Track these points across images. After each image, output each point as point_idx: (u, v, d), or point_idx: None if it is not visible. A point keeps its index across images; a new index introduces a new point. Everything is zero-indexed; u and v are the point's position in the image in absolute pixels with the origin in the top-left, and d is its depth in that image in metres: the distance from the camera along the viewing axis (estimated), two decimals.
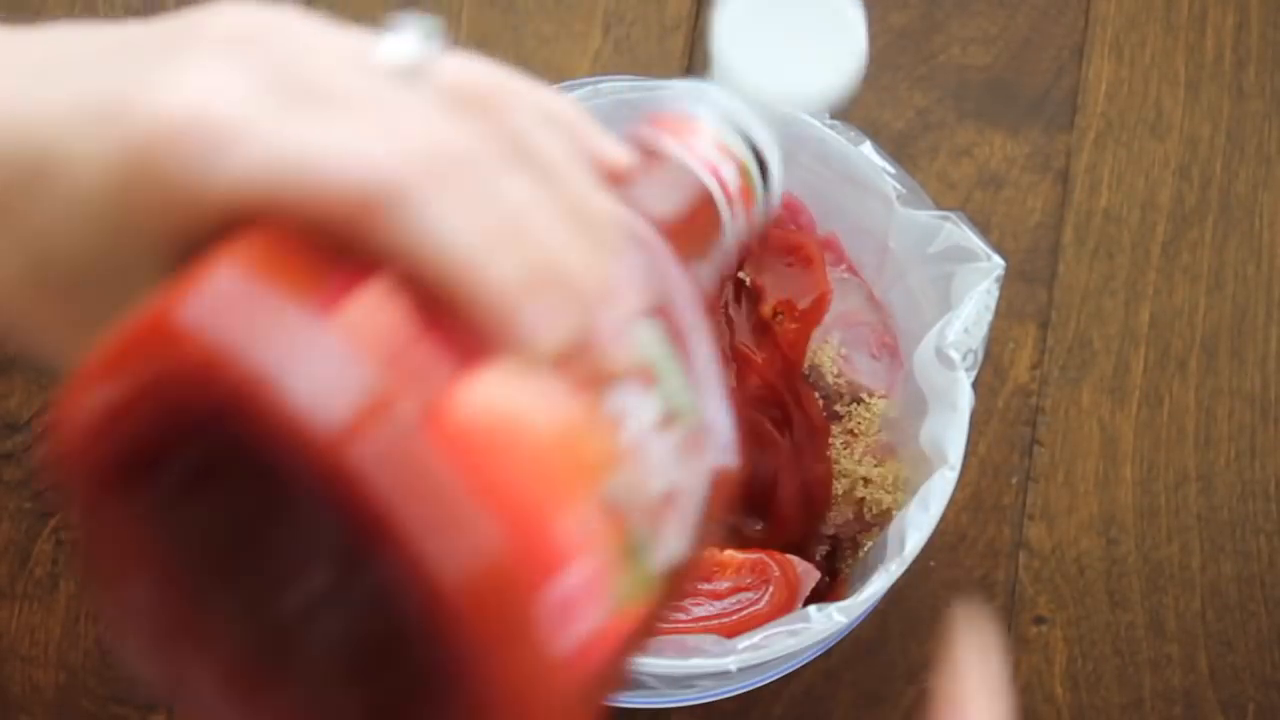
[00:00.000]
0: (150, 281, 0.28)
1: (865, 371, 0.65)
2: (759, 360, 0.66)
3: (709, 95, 0.38)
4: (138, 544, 0.28)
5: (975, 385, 0.59)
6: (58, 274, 0.29)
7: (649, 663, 0.56)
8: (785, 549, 0.63)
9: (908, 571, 0.58)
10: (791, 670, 0.60)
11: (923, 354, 0.60)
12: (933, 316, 0.61)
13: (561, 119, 0.32)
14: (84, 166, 0.27)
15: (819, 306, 0.65)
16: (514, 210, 0.28)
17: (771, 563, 0.62)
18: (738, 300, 0.67)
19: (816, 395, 0.66)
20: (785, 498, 0.67)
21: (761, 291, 0.66)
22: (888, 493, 0.64)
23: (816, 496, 0.66)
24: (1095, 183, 0.75)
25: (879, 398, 0.65)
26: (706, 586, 0.62)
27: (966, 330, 0.59)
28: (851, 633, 0.60)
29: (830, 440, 0.65)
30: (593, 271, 0.29)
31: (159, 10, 0.73)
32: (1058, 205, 0.75)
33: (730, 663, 0.56)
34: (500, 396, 0.27)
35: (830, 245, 0.66)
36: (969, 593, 0.72)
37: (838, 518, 0.65)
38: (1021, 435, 0.73)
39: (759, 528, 0.66)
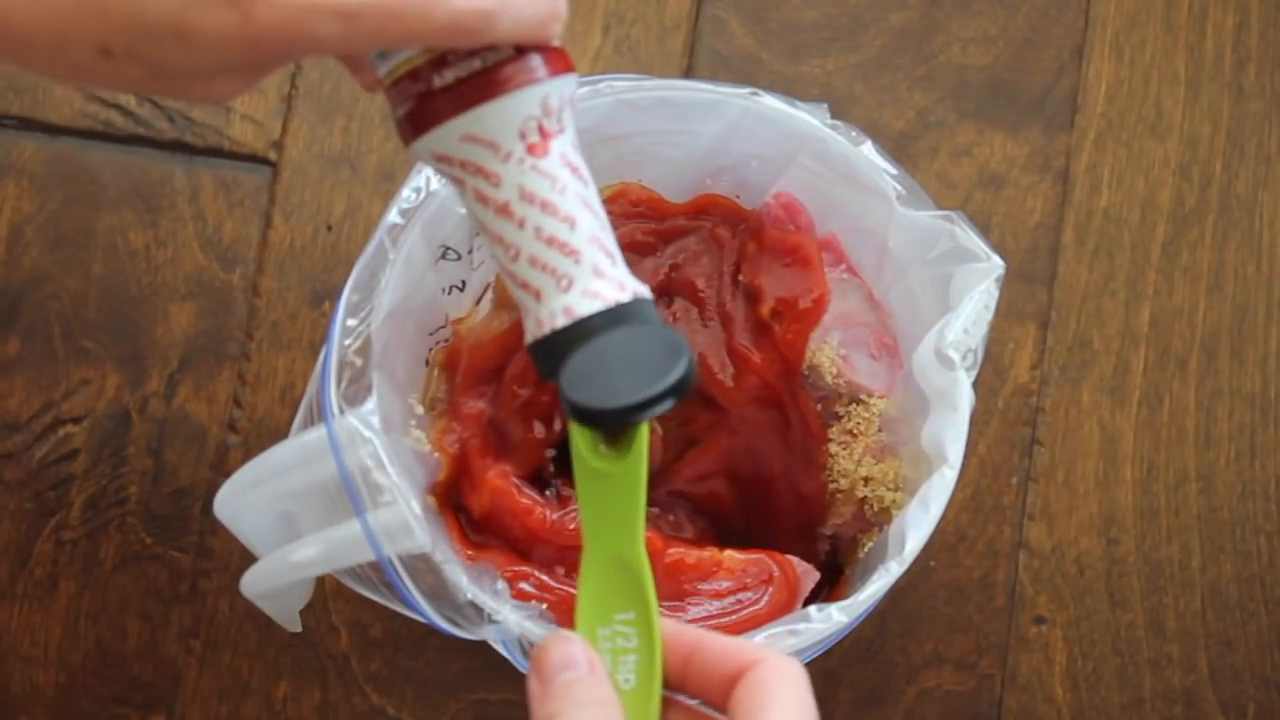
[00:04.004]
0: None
1: (864, 372, 0.65)
2: (757, 360, 0.65)
3: None
4: None
5: (975, 385, 0.59)
6: (165, 76, 0.44)
7: None
8: (784, 550, 0.63)
9: (908, 571, 0.58)
10: None
11: (923, 354, 0.60)
12: (933, 317, 0.61)
13: None
14: (217, 30, 0.42)
15: (817, 307, 0.65)
16: None
17: (771, 563, 0.62)
18: (736, 300, 0.67)
19: (815, 402, 0.66)
20: (781, 510, 0.67)
21: (760, 292, 0.65)
22: (888, 491, 0.64)
23: (811, 512, 0.66)
24: (1095, 183, 0.75)
25: (878, 398, 0.65)
26: (706, 586, 0.62)
27: (966, 330, 0.59)
28: (851, 633, 0.60)
29: (828, 443, 0.65)
30: None
31: None
32: (1058, 205, 0.75)
33: None
34: None
35: (829, 245, 0.66)
36: (969, 593, 0.72)
37: (837, 518, 0.65)
38: (1021, 435, 0.73)
39: (753, 537, 0.66)
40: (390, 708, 0.70)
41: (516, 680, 0.69)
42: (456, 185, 0.46)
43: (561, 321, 0.45)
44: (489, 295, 0.65)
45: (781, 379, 0.66)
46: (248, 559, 0.56)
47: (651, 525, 0.65)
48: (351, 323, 0.58)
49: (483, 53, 0.44)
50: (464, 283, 0.64)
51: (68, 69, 0.44)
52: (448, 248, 0.62)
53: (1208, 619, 0.72)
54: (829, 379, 0.65)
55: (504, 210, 0.45)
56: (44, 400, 0.71)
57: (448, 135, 0.45)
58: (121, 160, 0.73)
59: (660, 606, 0.61)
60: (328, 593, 0.70)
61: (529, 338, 0.46)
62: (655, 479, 0.67)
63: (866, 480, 0.64)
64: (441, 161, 0.46)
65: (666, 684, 0.45)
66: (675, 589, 0.61)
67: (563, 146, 0.45)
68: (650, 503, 0.67)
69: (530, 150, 0.45)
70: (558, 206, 0.45)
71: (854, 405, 0.65)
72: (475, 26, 0.43)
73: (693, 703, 0.46)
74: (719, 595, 0.61)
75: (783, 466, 0.66)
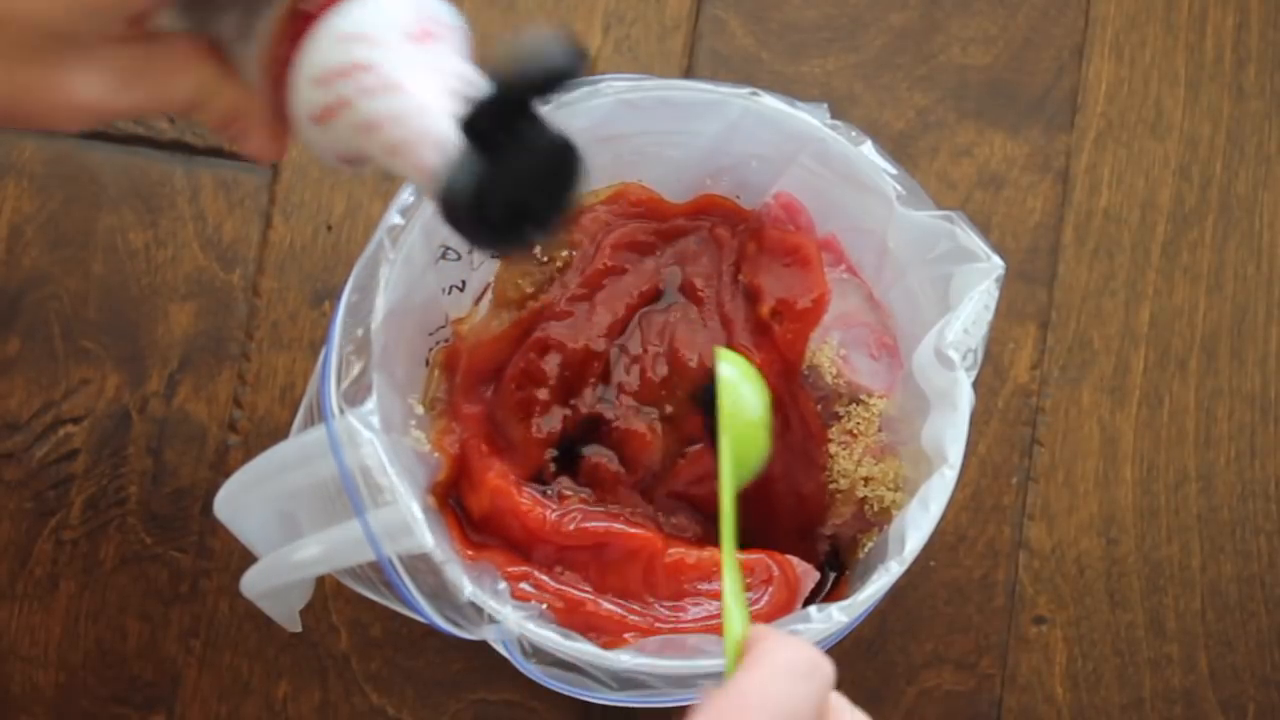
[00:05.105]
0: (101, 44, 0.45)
1: (864, 372, 0.65)
2: (757, 361, 0.65)
3: None
4: None
5: (975, 385, 0.59)
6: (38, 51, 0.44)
7: (649, 662, 0.56)
8: (784, 550, 0.63)
9: (908, 571, 0.58)
10: None
11: (923, 354, 0.60)
12: (933, 317, 0.61)
13: None
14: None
15: (817, 307, 0.65)
16: None
17: (771, 563, 0.62)
18: (736, 300, 0.67)
19: (815, 402, 0.66)
20: (781, 510, 0.67)
21: (760, 292, 0.65)
22: (888, 491, 0.64)
23: (811, 512, 0.66)
24: (1095, 183, 0.75)
25: (878, 398, 0.65)
26: (707, 586, 0.62)
27: (966, 330, 0.59)
28: (851, 633, 0.60)
29: (828, 443, 0.65)
30: None
31: None
32: (1058, 205, 0.75)
33: None
34: None
35: (829, 245, 0.66)
36: (969, 593, 0.72)
37: (837, 518, 0.65)
38: (1021, 435, 0.73)
39: (753, 536, 0.66)
40: (390, 708, 0.70)
41: (516, 680, 0.69)
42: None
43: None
44: (488, 295, 0.65)
45: (781, 379, 0.66)
46: (248, 559, 0.56)
47: (652, 525, 0.65)
48: (351, 323, 0.58)
49: None
50: (464, 283, 0.64)
51: None
52: (447, 248, 0.62)
53: (1208, 619, 0.72)
54: (829, 379, 0.65)
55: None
56: (44, 400, 0.71)
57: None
58: (121, 160, 0.73)
59: (663, 607, 0.62)
60: (328, 593, 0.70)
61: (433, 200, 0.45)
62: (655, 480, 0.67)
63: (866, 480, 0.64)
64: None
65: None
66: (675, 589, 0.61)
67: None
68: (650, 503, 0.67)
69: None
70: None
71: (854, 405, 0.65)
72: None
73: None
74: (719, 595, 0.61)
75: (783, 467, 0.66)
